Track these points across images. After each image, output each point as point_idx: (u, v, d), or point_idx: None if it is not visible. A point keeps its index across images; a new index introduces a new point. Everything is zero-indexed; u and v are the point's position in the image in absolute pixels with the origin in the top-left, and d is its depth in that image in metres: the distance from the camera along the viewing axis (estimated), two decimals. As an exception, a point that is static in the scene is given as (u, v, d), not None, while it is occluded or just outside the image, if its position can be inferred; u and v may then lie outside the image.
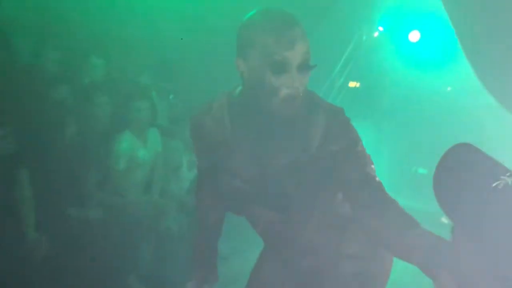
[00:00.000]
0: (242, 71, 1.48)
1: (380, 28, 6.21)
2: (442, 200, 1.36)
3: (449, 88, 6.08)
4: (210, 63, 4.19)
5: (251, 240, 1.99)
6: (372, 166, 1.54)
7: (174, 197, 3.83)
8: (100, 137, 3.54)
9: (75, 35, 3.90)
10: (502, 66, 2.90)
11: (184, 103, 4.16)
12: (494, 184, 1.26)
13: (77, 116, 3.49)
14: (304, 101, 1.48)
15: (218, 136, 1.58)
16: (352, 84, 6.18)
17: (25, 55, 3.75)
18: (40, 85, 3.55)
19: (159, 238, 3.58)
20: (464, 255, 1.24)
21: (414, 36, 5.90)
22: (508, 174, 1.27)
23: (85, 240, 3.18)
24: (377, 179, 1.50)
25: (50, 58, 3.62)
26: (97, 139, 3.52)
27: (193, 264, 1.87)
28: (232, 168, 1.58)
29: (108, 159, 3.53)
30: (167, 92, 4.20)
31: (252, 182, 1.57)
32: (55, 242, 3.08)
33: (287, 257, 1.72)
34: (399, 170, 5.71)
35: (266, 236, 1.73)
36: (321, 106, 1.56)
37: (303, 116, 1.51)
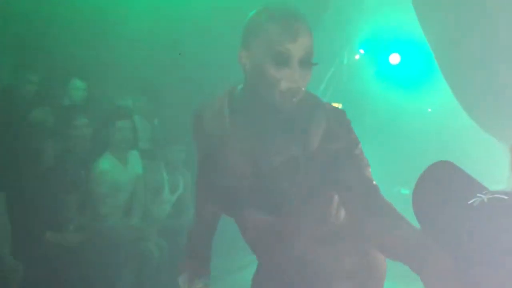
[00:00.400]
0: (244, 63, 1.47)
1: (361, 51, 6.30)
2: (420, 216, 1.37)
3: (429, 110, 6.16)
4: (193, 85, 4.18)
5: (245, 259, 1.95)
6: (369, 169, 1.54)
7: (155, 221, 3.78)
8: (80, 159, 3.49)
9: (56, 57, 3.87)
10: (479, 88, 2.95)
11: (166, 125, 4.13)
12: (470, 202, 1.27)
13: (57, 138, 3.44)
14: (304, 100, 1.47)
15: (216, 129, 1.57)
16: (334, 105, 6.22)
17: (4, 77, 3.71)
18: (20, 107, 3.51)
19: (139, 262, 3.51)
20: (439, 271, 1.24)
21: (395, 58, 6.00)
22: (484, 192, 1.28)
23: (64, 265, 3.11)
24: (374, 182, 1.49)
25: (30, 80, 3.59)
26: (77, 161, 3.47)
27: (185, 256, 1.86)
28: (227, 163, 1.55)
29: (88, 181, 3.48)
30: (149, 114, 4.18)
31: (246, 179, 1.54)
32: (32, 267, 3.00)
33: (279, 271, 1.66)
34: (382, 190, 5.72)
35: (256, 244, 1.66)
36: (322, 106, 1.55)
37: (303, 114, 1.49)
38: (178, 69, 4.23)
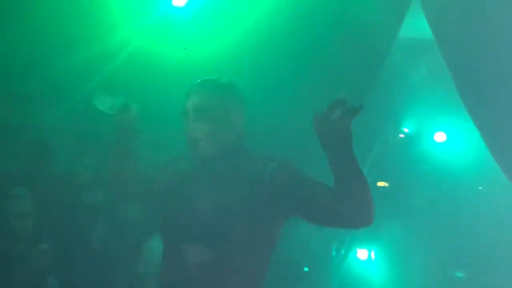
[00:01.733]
0: None
1: (406, 130, 6.30)
2: None
3: (480, 188, 5.98)
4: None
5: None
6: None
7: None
8: (130, 241, 3.55)
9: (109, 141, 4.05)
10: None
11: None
12: None
13: (108, 221, 3.54)
14: (224, 150, 1.75)
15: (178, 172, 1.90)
16: (381, 183, 6.15)
17: (62, 162, 3.90)
18: (74, 191, 3.66)
19: None
20: None
21: (440, 137, 5.95)
22: None
23: None
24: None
25: (86, 166, 3.76)
26: (128, 243, 3.53)
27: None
28: (182, 198, 1.80)
29: (138, 263, 3.52)
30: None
31: (191, 215, 1.76)
32: None
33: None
34: (434, 273, 5.48)
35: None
36: (252, 155, 1.80)
37: (225, 162, 1.75)
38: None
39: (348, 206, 1.71)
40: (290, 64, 3.96)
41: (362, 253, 5.83)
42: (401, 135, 6.30)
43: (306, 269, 4.57)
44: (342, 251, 5.65)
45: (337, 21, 3.84)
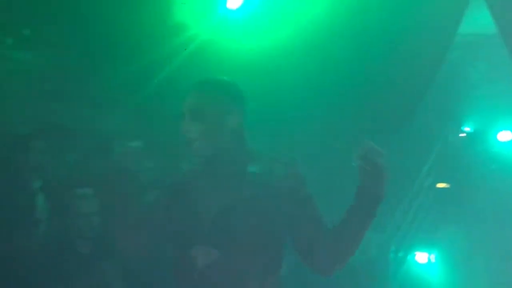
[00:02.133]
0: None
1: (467, 129, 6.10)
2: None
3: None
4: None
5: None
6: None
7: None
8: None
9: (170, 144, 4.15)
10: None
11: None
12: None
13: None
14: (220, 150, 1.73)
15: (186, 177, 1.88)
16: (440, 185, 5.98)
17: (123, 161, 4.03)
18: (133, 190, 3.77)
19: None
20: None
21: (504, 136, 5.72)
22: None
23: None
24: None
25: (146, 166, 3.86)
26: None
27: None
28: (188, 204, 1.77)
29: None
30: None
31: (199, 219, 1.73)
32: None
33: None
34: (497, 279, 5.27)
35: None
36: (253, 157, 1.77)
37: (226, 163, 1.74)
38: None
39: (324, 250, 1.67)
40: (345, 65, 3.92)
41: (421, 257, 5.70)
42: (462, 134, 6.10)
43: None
44: (400, 254, 5.53)
45: (396, 18, 3.77)
